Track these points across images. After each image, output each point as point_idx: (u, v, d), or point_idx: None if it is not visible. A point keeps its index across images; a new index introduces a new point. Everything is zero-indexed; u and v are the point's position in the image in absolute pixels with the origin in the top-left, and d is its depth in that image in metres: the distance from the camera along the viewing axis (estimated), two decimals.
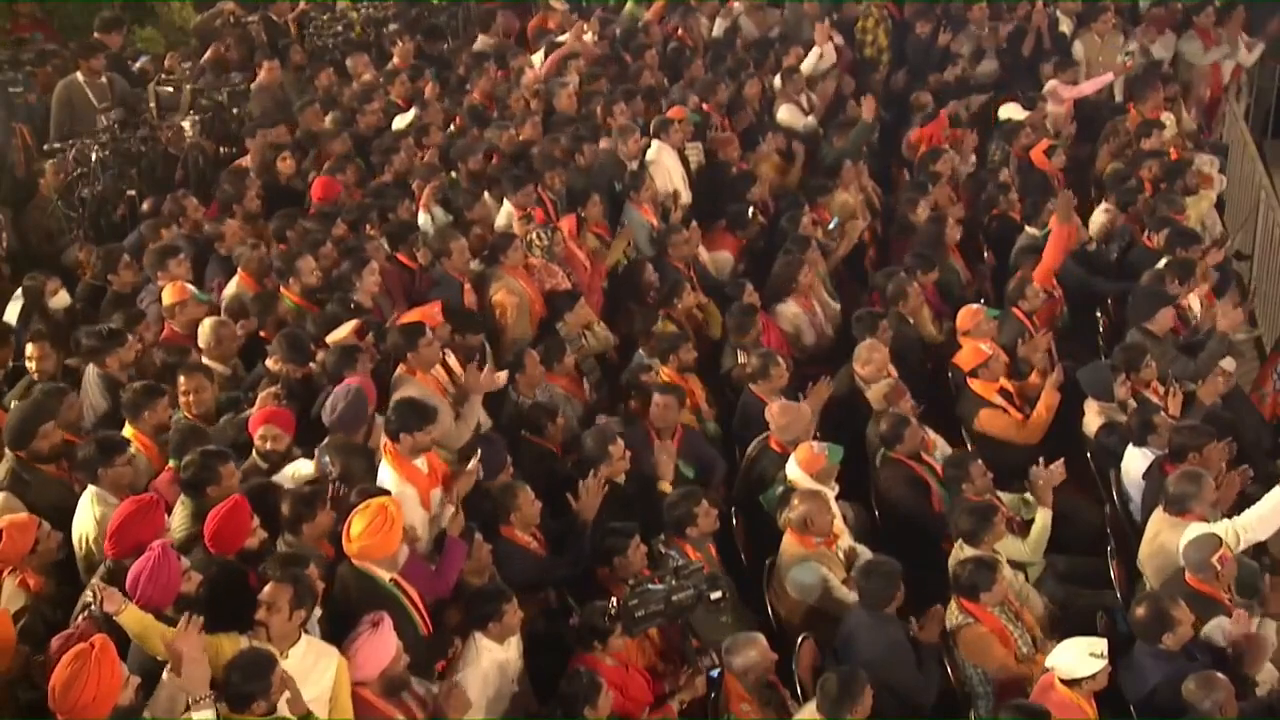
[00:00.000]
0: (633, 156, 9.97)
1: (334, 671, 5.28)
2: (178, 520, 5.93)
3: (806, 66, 11.82)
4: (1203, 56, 12.53)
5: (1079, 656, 5.60)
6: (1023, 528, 6.98)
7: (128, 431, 6.55)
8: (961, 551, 6.51)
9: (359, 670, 5.31)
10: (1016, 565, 6.75)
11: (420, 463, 6.38)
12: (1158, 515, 6.64)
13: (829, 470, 6.83)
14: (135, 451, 6.37)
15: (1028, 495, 7.11)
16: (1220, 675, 5.57)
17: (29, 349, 7.31)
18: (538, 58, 11.82)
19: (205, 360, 7.25)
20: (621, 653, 5.86)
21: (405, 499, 6.15)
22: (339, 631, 5.49)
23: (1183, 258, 8.74)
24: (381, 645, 5.31)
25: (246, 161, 9.88)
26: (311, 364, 7.16)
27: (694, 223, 9.36)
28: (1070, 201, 9.26)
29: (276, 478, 6.30)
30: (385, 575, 5.72)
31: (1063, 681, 5.60)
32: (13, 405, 6.92)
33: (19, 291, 8.20)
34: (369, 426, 6.67)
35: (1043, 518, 6.89)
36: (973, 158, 10.98)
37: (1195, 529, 6.29)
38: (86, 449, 6.13)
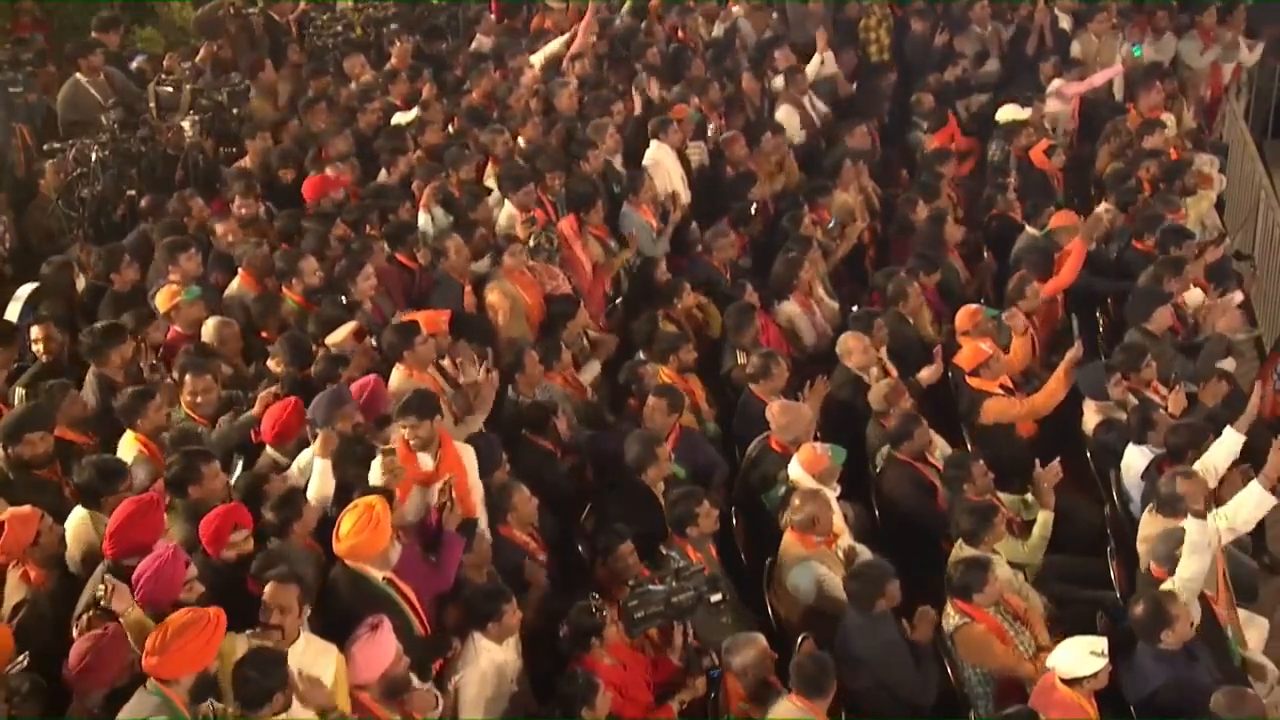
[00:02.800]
0: (611, 153, 9.97)
1: (334, 668, 5.29)
2: (174, 527, 5.90)
3: (809, 74, 11.81)
4: (1199, 58, 12.53)
5: (1079, 656, 5.60)
6: (1023, 529, 6.98)
7: (129, 437, 6.54)
8: (961, 551, 6.52)
9: (359, 673, 5.31)
10: (1016, 565, 6.75)
11: (425, 457, 6.39)
12: (1148, 518, 6.65)
13: (831, 471, 6.84)
14: (138, 456, 6.37)
15: (1028, 496, 7.11)
16: (1251, 692, 5.55)
17: (34, 331, 7.33)
18: (537, 58, 11.82)
19: None
20: (620, 652, 5.86)
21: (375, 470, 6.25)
22: (334, 633, 5.49)
23: (1176, 255, 8.75)
24: (380, 648, 5.31)
25: (247, 162, 9.89)
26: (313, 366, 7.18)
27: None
28: (1096, 225, 9.27)
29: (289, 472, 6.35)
30: (378, 574, 5.72)
31: (1063, 681, 5.59)
32: (16, 400, 6.92)
33: (19, 291, 8.18)
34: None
35: (1044, 519, 6.89)
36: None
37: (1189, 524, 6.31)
38: (85, 474, 6.03)
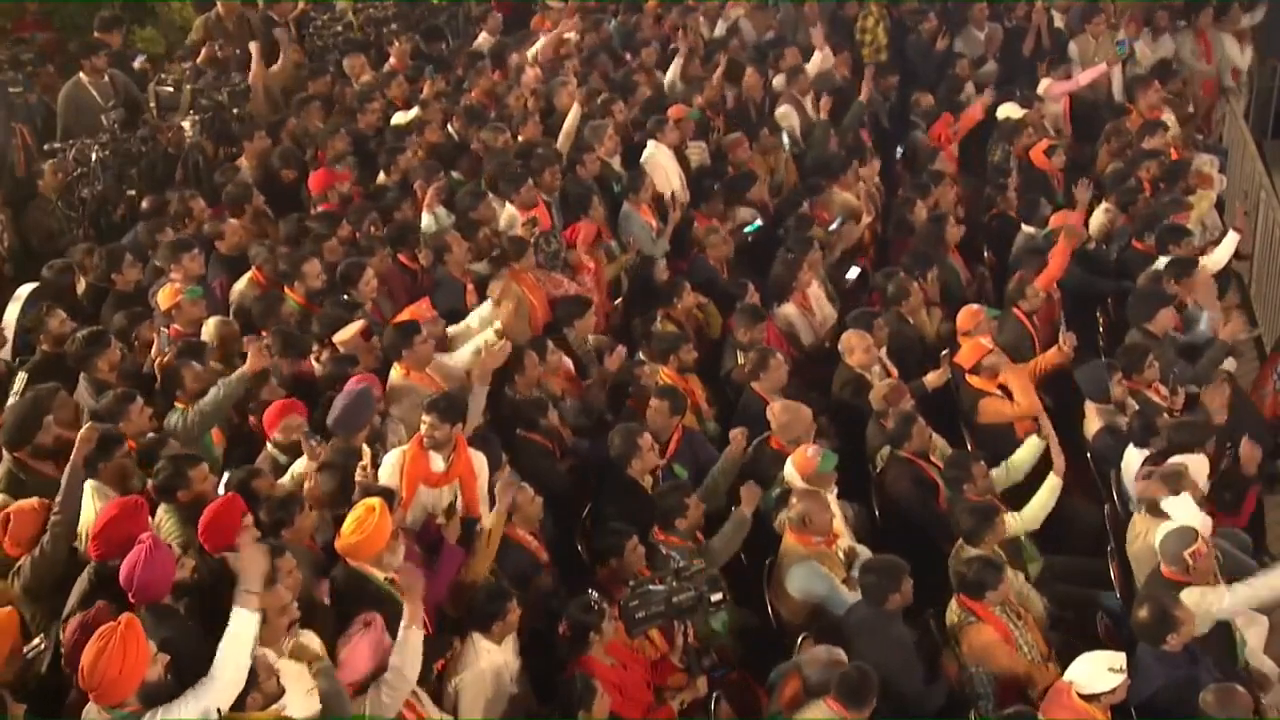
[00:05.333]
0: (610, 154, 9.99)
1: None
2: (166, 528, 5.91)
3: (810, 70, 11.82)
4: (1197, 58, 12.54)
5: (1097, 671, 5.56)
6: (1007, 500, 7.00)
7: None
8: (962, 551, 6.52)
9: (351, 671, 5.29)
10: (1016, 566, 6.75)
11: (437, 458, 6.39)
12: (1137, 518, 6.66)
13: (822, 477, 6.81)
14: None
15: (1013, 460, 7.13)
16: (1240, 689, 5.53)
17: (49, 321, 7.34)
18: (530, 54, 11.84)
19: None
20: (620, 652, 5.86)
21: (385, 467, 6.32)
22: (335, 631, 5.49)
23: (1179, 255, 8.75)
24: (372, 646, 5.30)
25: (244, 161, 9.89)
26: (315, 362, 7.18)
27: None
28: (1081, 219, 9.28)
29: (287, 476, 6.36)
30: (380, 575, 5.72)
31: (1081, 696, 5.55)
32: (6, 405, 6.94)
33: (18, 292, 8.19)
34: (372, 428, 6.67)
35: (1051, 485, 6.90)
36: None
37: (1166, 526, 6.33)
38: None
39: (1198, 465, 6.78)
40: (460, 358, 7.39)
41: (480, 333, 7.49)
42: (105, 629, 4.73)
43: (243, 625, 4.90)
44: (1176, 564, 6.16)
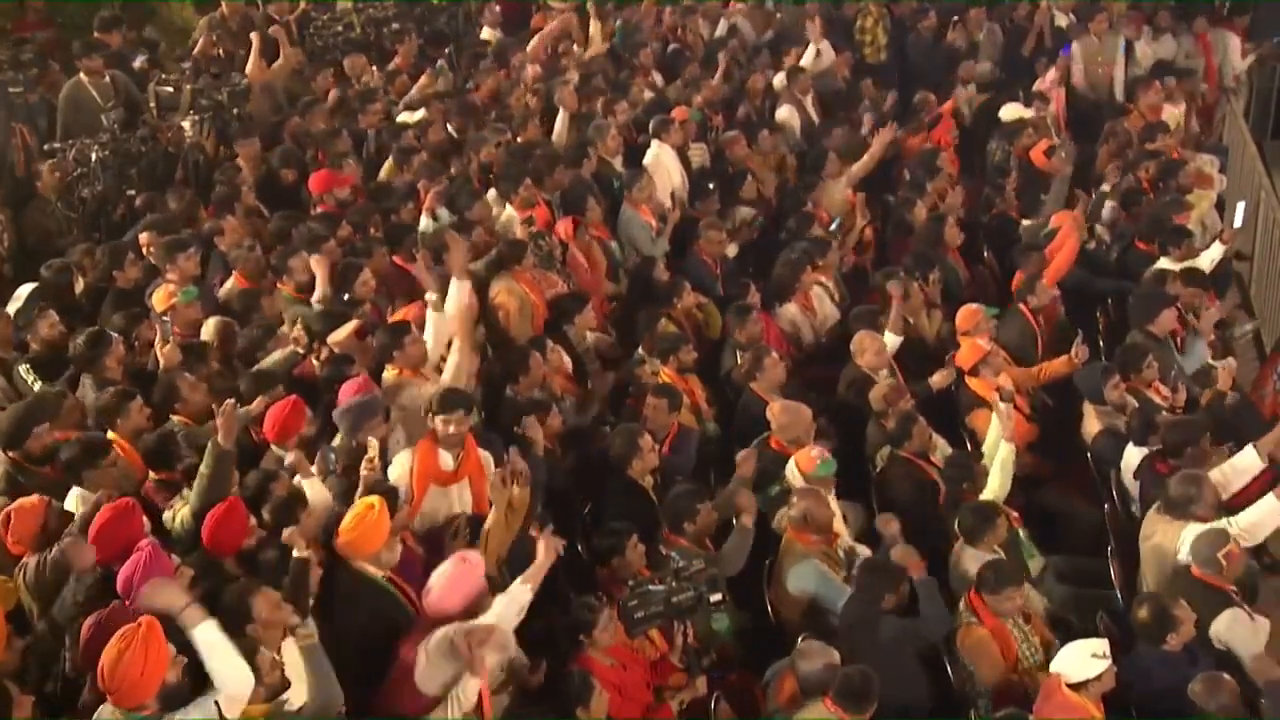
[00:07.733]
0: (613, 154, 9.98)
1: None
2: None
3: (805, 65, 11.84)
4: (1198, 58, 12.54)
5: (1081, 659, 5.58)
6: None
7: (109, 437, 6.52)
8: (963, 551, 6.52)
9: (442, 600, 5.37)
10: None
11: (447, 457, 6.37)
12: (1153, 516, 6.63)
13: (822, 480, 6.81)
14: (118, 455, 6.35)
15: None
16: (1227, 677, 5.55)
17: (40, 325, 7.34)
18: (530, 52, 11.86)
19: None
20: (620, 652, 5.86)
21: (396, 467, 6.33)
22: (335, 630, 5.49)
23: (1194, 269, 8.75)
24: (468, 579, 5.40)
25: (241, 161, 9.89)
26: (314, 361, 7.18)
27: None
28: (1082, 218, 9.30)
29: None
30: (379, 573, 5.71)
31: (1070, 686, 5.56)
32: (24, 373, 6.96)
33: (18, 291, 8.18)
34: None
35: (1005, 452, 6.91)
36: None
37: (1195, 529, 6.30)
38: (70, 451, 6.10)
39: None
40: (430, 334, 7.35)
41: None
42: (126, 630, 4.71)
43: (207, 634, 4.85)
44: (1210, 566, 6.15)
